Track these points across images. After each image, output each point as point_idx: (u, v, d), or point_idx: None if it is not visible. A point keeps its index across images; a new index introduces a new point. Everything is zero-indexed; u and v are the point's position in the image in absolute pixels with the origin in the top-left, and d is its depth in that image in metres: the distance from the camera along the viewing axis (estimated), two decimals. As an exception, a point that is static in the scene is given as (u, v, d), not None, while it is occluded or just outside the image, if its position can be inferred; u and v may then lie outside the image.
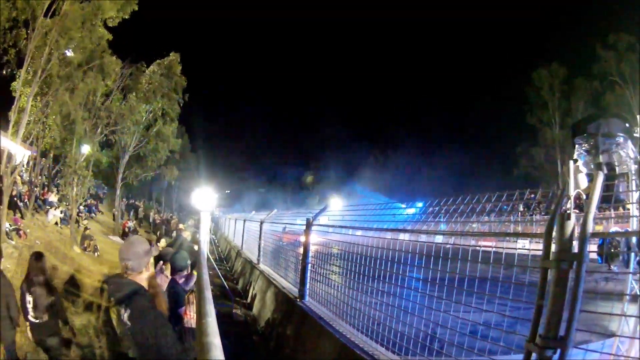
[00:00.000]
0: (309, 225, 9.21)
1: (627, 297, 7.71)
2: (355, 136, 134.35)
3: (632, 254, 7.76)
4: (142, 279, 4.14)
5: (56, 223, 28.07)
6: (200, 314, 2.89)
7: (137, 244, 4.32)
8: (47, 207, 29.45)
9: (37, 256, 9.30)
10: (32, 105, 25.79)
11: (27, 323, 8.86)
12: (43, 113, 27.38)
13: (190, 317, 7.94)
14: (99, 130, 34.30)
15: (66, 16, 25.72)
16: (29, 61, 24.80)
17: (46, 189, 34.05)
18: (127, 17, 30.53)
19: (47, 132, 29.39)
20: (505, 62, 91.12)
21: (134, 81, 39.20)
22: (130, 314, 3.75)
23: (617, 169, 7.50)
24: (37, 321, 8.76)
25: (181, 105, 43.20)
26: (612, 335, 6.55)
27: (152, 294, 4.16)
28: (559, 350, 3.35)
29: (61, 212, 29.34)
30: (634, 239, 8.35)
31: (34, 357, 9.44)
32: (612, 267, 10.83)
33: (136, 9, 30.71)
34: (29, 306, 8.68)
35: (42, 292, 8.83)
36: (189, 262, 8.81)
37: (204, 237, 7.19)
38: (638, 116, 9.17)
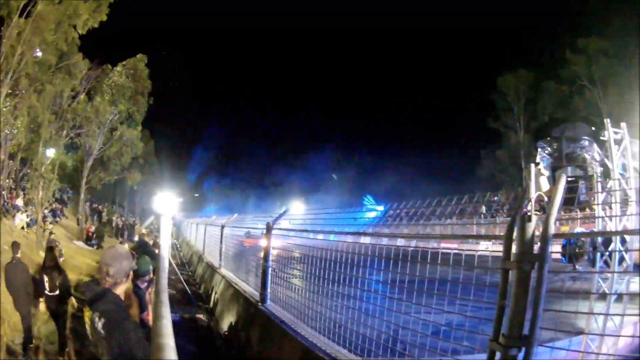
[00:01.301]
0: (269, 229, 9.22)
1: (595, 295, 7.79)
2: (318, 141, 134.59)
3: (598, 254, 7.84)
4: (120, 288, 4.09)
5: (23, 227, 27.72)
6: (156, 316, 2.84)
7: (121, 251, 4.31)
8: (14, 211, 29.09)
9: (50, 248, 13.60)
10: (1, 106, 25.57)
11: (43, 297, 12.13)
12: (12, 115, 27.11)
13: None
14: (65, 132, 34.09)
15: (40, 17, 25.60)
16: (1, 61, 24.59)
17: (14, 192, 33.69)
18: (96, 25, 30.46)
19: (16, 134, 29.09)
20: (472, 66, 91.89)
21: (100, 83, 38.91)
22: (105, 323, 3.71)
23: (588, 169, 7.59)
24: (51, 294, 11.94)
25: (146, 108, 42.98)
26: (580, 332, 6.58)
27: (127, 304, 4.11)
28: (523, 349, 3.37)
29: (27, 216, 28.97)
30: (599, 239, 8.44)
31: (45, 328, 12.70)
32: (577, 266, 10.94)
33: (105, 19, 30.66)
34: (46, 284, 11.95)
35: (54, 273, 12.16)
36: (151, 267, 8.74)
37: (165, 242, 7.18)
38: (606, 119, 9.21)
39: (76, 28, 29.57)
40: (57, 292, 11.98)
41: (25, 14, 25.27)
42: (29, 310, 12.13)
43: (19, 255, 12.58)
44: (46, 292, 12.00)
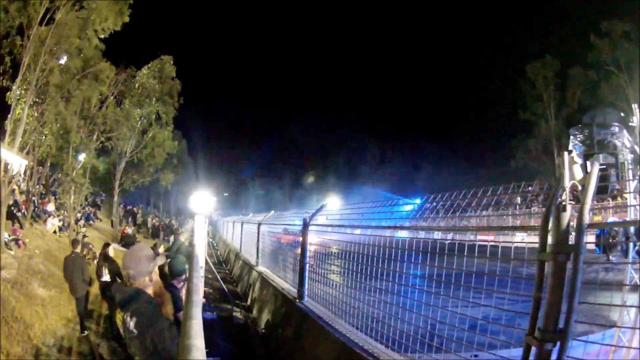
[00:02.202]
0: (305, 225, 9.18)
1: (627, 287, 7.68)
2: (353, 135, 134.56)
3: (631, 244, 7.74)
4: (148, 287, 4.08)
5: (55, 232, 27.98)
6: (186, 317, 2.86)
7: (140, 252, 4.25)
8: (46, 216, 29.36)
9: (106, 245, 15.83)
10: (28, 114, 25.76)
11: (99, 282, 15.00)
12: (39, 122, 27.31)
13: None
14: (95, 137, 34.24)
15: (63, 24, 25.73)
16: (24, 70, 24.78)
17: (46, 198, 33.93)
18: (118, 29, 30.55)
19: (44, 140, 29.33)
20: (499, 55, 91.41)
21: (127, 87, 38.94)
22: (137, 322, 3.71)
23: (619, 156, 7.51)
24: (106, 280, 14.37)
25: (176, 108, 42.91)
26: (613, 325, 6.51)
27: (159, 302, 4.12)
28: (558, 343, 3.32)
29: (59, 220, 29.22)
30: (632, 229, 8.33)
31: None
32: (610, 257, 10.78)
33: (127, 20, 30.72)
34: (103, 271, 14.52)
35: (107, 264, 14.70)
36: (186, 266, 8.83)
37: (199, 241, 7.25)
38: (634, 105, 9.10)
39: (98, 33, 29.68)
40: (109, 278, 14.34)
41: (45, 21, 25.42)
42: (84, 293, 14.83)
43: (77, 250, 15.75)
44: (102, 279, 14.65)
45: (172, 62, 42.21)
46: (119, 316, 3.98)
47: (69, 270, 14.86)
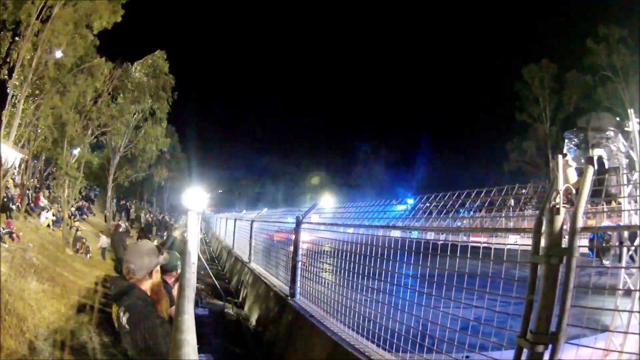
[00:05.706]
0: (298, 223, 9.18)
1: (620, 291, 7.69)
2: (346, 135, 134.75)
3: (624, 248, 7.74)
4: (146, 284, 4.09)
5: (48, 225, 28.00)
6: (178, 311, 2.85)
7: (143, 248, 4.25)
8: (39, 210, 29.33)
9: (142, 230, 26.72)
10: (23, 108, 25.77)
11: None
12: (34, 115, 27.29)
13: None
14: (90, 131, 34.29)
15: (58, 19, 25.75)
16: (20, 63, 24.78)
17: (40, 192, 33.88)
18: (109, 27, 30.63)
19: (39, 134, 29.32)
20: (496, 58, 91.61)
21: (122, 82, 38.98)
22: (129, 317, 3.70)
23: (606, 162, 7.48)
24: None
25: (170, 104, 42.86)
26: (605, 329, 6.51)
27: (154, 299, 4.12)
28: (550, 346, 3.31)
29: (53, 214, 29.20)
30: (625, 233, 8.33)
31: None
32: (604, 261, 10.76)
33: (119, 20, 30.82)
34: None
35: (143, 235, 21.74)
36: (179, 262, 8.82)
37: (192, 237, 7.28)
38: (630, 109, 9.06)
39: (92, 30, 29.69)
40: None
41: (40, 17, 25.43)
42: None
43: (120, 230, 24.09)
44: None
45: (165, 58, 42.37)
46: (114, 310, 3.97)
47: (115, 240, 22.85)
